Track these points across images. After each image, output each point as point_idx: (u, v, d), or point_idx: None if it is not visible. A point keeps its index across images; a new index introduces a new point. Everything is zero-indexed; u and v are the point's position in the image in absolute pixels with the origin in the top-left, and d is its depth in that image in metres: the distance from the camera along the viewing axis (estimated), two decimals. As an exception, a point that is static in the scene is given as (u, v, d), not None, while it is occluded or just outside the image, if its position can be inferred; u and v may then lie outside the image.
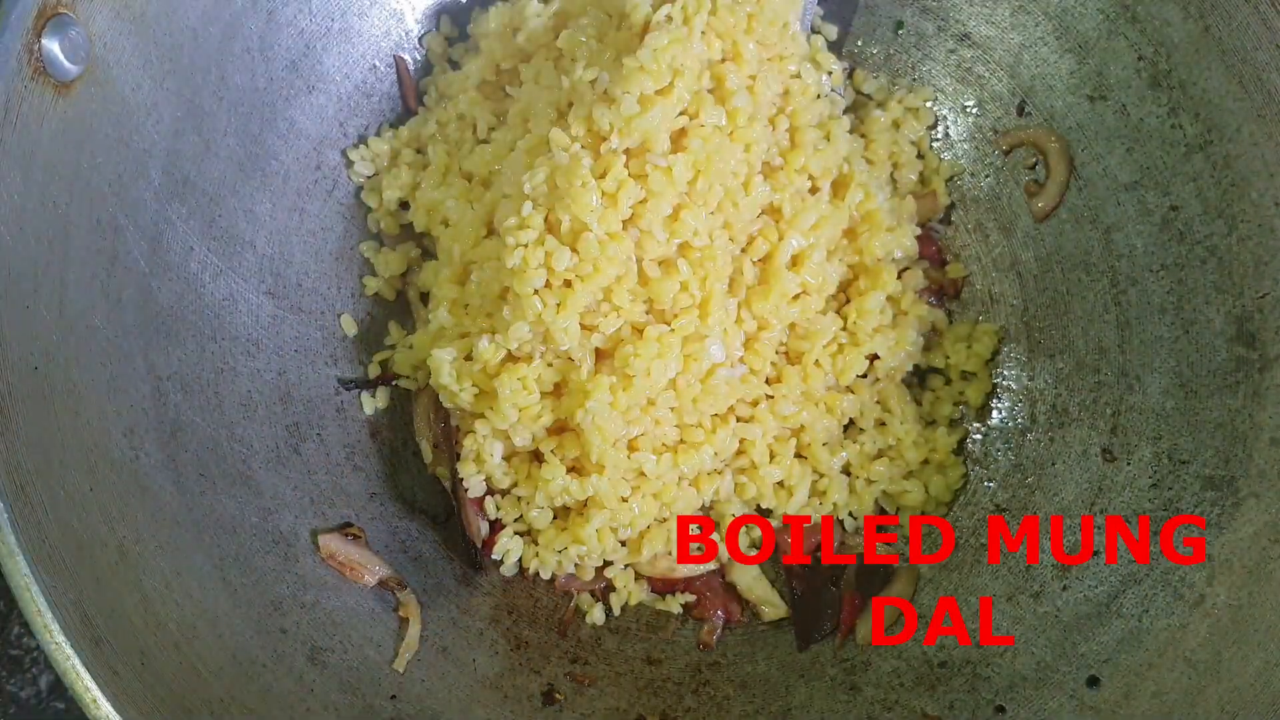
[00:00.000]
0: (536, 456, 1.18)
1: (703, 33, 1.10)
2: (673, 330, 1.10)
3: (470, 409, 1.16)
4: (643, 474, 1.14)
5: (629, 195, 1.07)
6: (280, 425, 1.17)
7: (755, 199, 1.14)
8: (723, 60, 1.12)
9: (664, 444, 1.15)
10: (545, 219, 1.09)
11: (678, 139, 1.10)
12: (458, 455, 1.18)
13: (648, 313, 1.12)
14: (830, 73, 1.27)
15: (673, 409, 1.14)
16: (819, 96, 1.22)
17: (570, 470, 1.15)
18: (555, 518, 1.19)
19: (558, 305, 1.08)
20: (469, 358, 1.14)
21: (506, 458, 1.18)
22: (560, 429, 1.16)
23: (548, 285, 1.08)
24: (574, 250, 1.07)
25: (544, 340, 1.11)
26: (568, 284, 1.08)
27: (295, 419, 1.19)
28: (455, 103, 1.29)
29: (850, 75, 1.34)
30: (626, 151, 1.09)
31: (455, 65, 1.34)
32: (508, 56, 1.27)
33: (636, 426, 1.12)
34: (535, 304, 1.08)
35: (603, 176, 1.07)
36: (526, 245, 1.08)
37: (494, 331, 1.12)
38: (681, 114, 1.09)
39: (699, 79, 1.10)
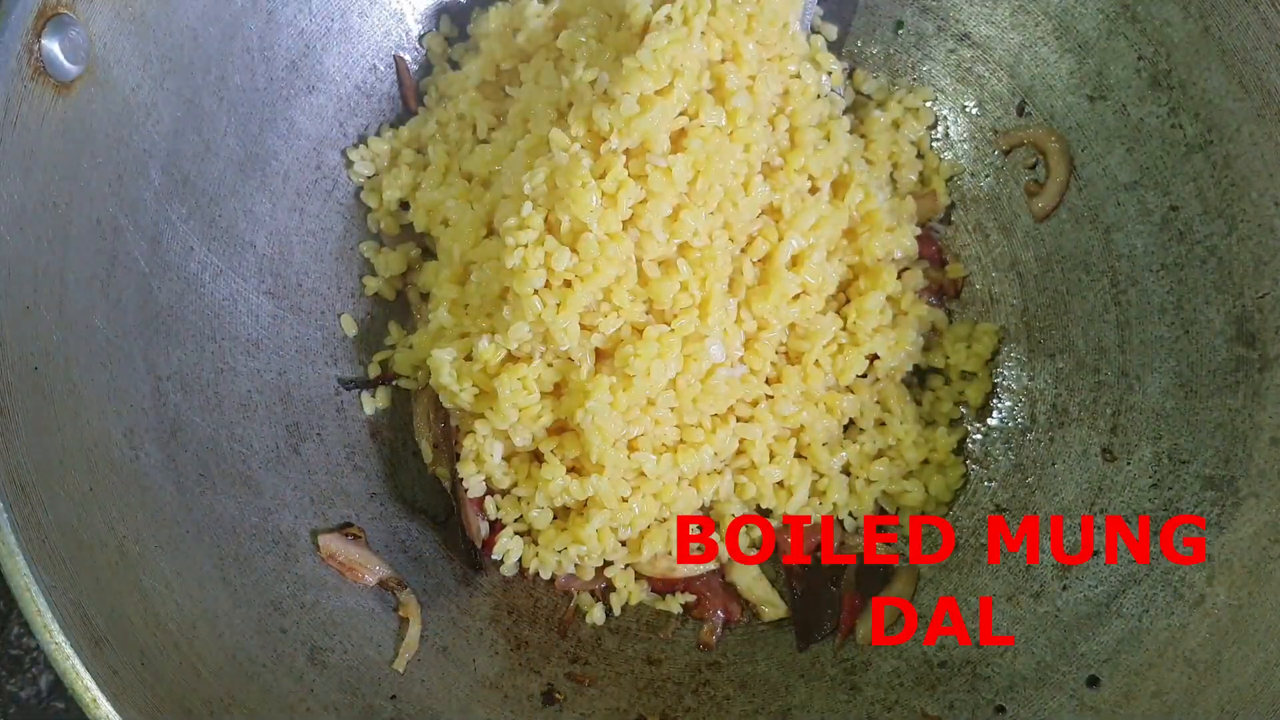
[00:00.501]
0: (536, 456, 1.17)
1: (702, 33, 1.09)
2: (673, 330, 1.10)
3: (470, 409, 1.16)
4: (643, 474, 1.14)
5: (629, 195, 1.07)
6: (280, 425, 1.17)
7: (755, 199, 1.14)
8: (722, 60, 1.12)
9: (664, 444, 1.15)
10: (545, 219, 1.09)
11: (677, 139, 1.10)
12: (457, 455, 1.18)
13: (648, 313, 1.12)
14: (830, 73, 1.27)
15: (673, 409, 1.14)
16: (819, 96, 1.21)
17: (570, 470, 1.15)
18: (555, 518, 1.18)
19: (558, 305, 1.08)
20: (469, 358, 1.14)
21: (506, 458, 1.18)
22: (560, 429, 1.16)
23: (548, 285, 1.08)
24: (574, 250, 1.07)
25: (544, 340, 1.11)
26: (567, 284, 1.08)
27: (295, 419, 1.19)
28: (455, 103, 1.29)
29: (850, 75, 1.34)
30: (626, 152, 1.08)
31: (455, 65, 1.34)
32: (508, 56, 1.27)
33: (636, 426, 1.12)
34: (535, 304, 1.08)
35: (602, 177, 1.07)
36: (526, 245, 1.08)
37: (494, 331, 1.12)
38: (681, 114, 1.09)
39: (699, 79, 1.10)
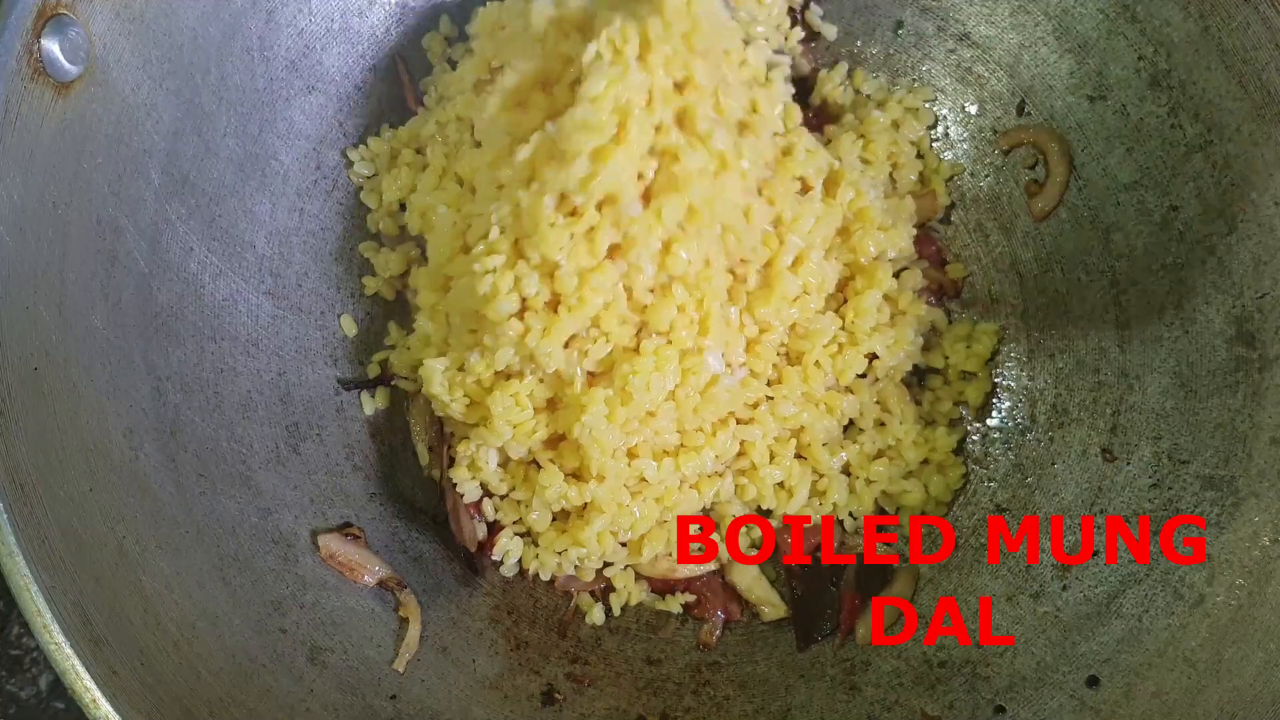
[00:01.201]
0: (534, 461, 1.16)
1: (639, 59, 0.99)
2: (669, 343, 1.08)
3: (463, 418, 1.14)
4: (643, 479, 1.13)
5: (605, 237, 1.01)
6: (280, 425, 1.17)
7: (757, 223, 1.09)
8: (678, 88, 1.02)
9: (664, 449, 1.15)
10: (516, 242, 1.04)
11: (666, 168, 1.02)
12: (452, 460, 1.16)
13: (638, 334, 1.09)
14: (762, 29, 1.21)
15: (673, 417, 1.13)
16: (770, 71, 1.12)
17: (571, 475, 1.14)
18: (555, 519, 1.18)
19: (543, 330, 1.04)
20: (462, 368, 1.12)
21: (502, 464, 1.17)
22: (559, 439, 1.14)
23: (529, 310, 1.05)
24: (549, 279, 1.03)
25: (530, 361, 1.08)
26: (553, 308, 1.04)
27: (295, 419, 1.19)
28: (453, 104, 1.29)
29: (850, 75, 1.34)
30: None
31: (454, 65, 1.34)
32: (498, 55, 1.26)
33: (635, 436, 1.11)
34: (510, 329, 1.04)
35: (572, 215, 1.01)
36: (495, 270, 1.03)
37: (480, 346, 1.10)
38: (650, 152, 1.01)
39: (653, 110, 1.00)
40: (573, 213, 1.01)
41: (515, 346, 1.07)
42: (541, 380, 1.11)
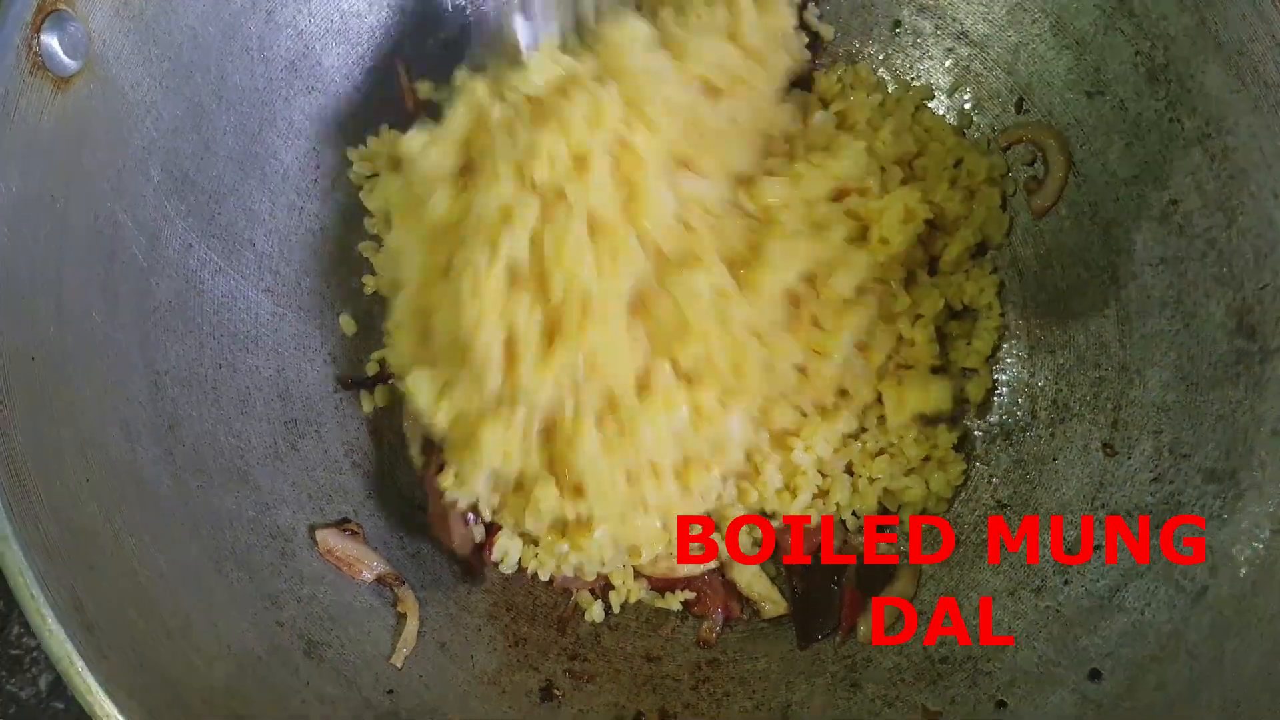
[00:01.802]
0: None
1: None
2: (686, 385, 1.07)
3: (451, 433, 1.08)
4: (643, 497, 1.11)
5: (628, 264, 1.01)
6: (278, 422, 1.17)
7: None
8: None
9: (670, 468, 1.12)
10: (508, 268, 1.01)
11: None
12: (440, 466, 1.11)
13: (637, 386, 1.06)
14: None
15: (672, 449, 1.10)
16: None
17: (570, 490, 1.10)
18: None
19: (536, 360, 1.01)
20: (449, 383, 1.06)
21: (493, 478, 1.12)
22: (556, 458, 1.09)
23: (522, 341, 1.02)
24: (545, 304, 1.00)
25: (521, 392, 1.03)
26: (549, 340, 1.01)
27: (293, 415, 1.19)
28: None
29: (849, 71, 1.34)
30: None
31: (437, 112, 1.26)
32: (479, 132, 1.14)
33: (635, 460, 1.08)
34: (496, 361, 1.01)
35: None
36: (484, 299, 1.00)
37: (468, 374, 1.04)
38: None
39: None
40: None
41: (504, 376, 1.02)
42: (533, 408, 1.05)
